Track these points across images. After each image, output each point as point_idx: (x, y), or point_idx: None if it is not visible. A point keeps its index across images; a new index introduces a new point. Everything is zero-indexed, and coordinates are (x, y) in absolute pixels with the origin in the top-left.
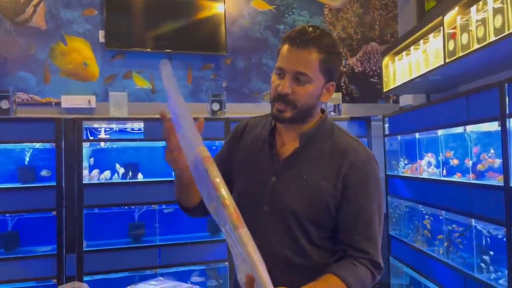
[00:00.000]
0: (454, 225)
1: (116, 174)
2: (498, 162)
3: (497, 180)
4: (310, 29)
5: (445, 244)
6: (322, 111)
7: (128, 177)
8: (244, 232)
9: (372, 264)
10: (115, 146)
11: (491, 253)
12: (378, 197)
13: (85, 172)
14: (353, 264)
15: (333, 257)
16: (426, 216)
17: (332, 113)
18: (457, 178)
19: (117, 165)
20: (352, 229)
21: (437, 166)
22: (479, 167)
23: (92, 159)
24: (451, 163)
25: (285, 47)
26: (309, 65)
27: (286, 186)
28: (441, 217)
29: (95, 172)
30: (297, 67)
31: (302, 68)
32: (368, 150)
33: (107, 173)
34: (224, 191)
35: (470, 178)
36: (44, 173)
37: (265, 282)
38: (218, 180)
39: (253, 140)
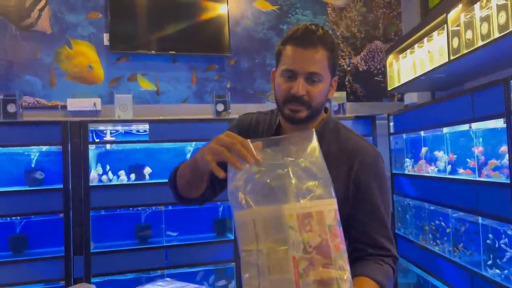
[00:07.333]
0: (460, 223)
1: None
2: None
3: (492, 176)
4: (313, 27)
5: (452, 242)
6: (326, 110)
7: (131, 179)
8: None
9: (393, 260)
10: (121, 148)
11: (498, 250)
12: (387, 195)
13: (92, 174)
14: (380, 264)
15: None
16: (433, 214)
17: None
18: (461, 175)
19: (147, 168)
20: (369, 228)
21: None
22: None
23: (99, 164)
24: (469, 164)
25: (291, 48)
26: (320, 64)
27: None
28: (447, 215)
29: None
30: (310, 68)
31: (314, 69)
32: (375, 148)
33: (121, 173)
34: None
35: (476, 176)
36: (37, 175)
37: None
38: None
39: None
